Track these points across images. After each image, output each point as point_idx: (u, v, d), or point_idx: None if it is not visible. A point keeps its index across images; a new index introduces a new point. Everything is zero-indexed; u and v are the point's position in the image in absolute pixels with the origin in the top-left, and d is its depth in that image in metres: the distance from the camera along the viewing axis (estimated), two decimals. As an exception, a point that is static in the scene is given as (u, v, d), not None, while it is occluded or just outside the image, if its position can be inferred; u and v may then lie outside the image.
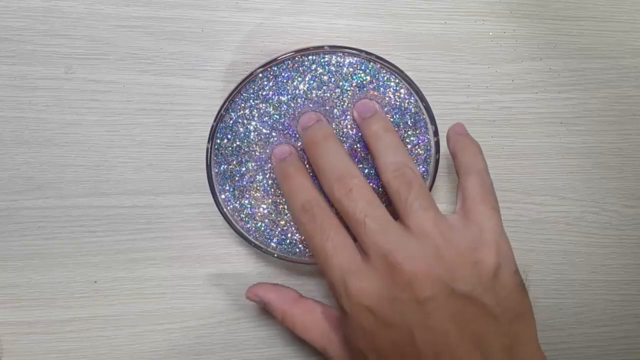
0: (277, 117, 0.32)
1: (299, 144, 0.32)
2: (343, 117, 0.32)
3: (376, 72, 0.32)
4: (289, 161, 0.31)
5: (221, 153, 0.32)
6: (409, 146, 0.33)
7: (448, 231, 0.28)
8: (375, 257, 0.27)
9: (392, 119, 0.32)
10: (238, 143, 0.32)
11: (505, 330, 0.27)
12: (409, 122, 0.32)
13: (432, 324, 0.26)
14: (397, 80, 0.32)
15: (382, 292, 0.26)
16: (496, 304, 0.27)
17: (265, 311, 0.36)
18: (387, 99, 0.32)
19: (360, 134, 0.32)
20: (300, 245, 0.33)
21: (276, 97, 0.32)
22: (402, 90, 0.32)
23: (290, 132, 0.32)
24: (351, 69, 0.32)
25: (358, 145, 0.32)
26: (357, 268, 0.27)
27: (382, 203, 0.29)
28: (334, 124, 0.32)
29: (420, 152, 0.33)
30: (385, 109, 0.32)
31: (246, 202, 0.33)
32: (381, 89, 0.32)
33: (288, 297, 0.32)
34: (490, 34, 0.35)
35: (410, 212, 0.28)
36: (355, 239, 0.29)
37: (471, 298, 0.26)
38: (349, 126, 0.32)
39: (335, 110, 0.32)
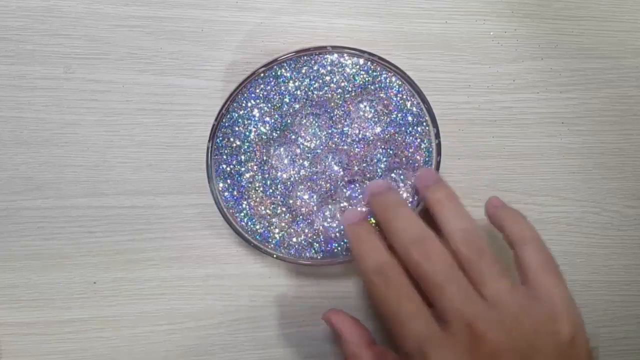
0: (278, 117, 0.32)
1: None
2: (344, 118, 0.32)
3: (379, 74, 0.32)
4: (361, 224, 0.31)
5: (221, 153, 0.32)
6: (411, 149, 0.33)
7: (523, 301, 0.27)
8: (457, 325, 0.26)
9: (394, 121, 0.32)
10: (238, 143, 0.32)
11: None
12: (411, 124, 0.32)
13: None
14: (399, 82, 0.32)
15: None
16: None
17: (265, 312, 0.36)
18: (389, 100, 0.32)
19: (361, 135, 0.32)
20: (297, 247, 0.33)
21: (277, 97, 0.31)
22: (404, 92, 0.32)
23: (291, 133, 0.32)
24: (354, 70, 0.32)
25: (357, 147, 0.32)
26: (436, 336, 0.26)
27: (460, 271, 0.28)
28: (335, 124, 0.32)
29: (422, 154, 0.33)
30: (387, 111, 0.32)
31: (245, 203, 0.33)
32: (384, 90, 0.32)
33: (363, 338, 0.31)
34: (491, 33, 0.35)
35: (485, 280, 0.27)
36: (430, 305, 0.28)
37: None
38: (350, 127, 0.32)
39: (337, 111, 0.32)
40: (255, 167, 0.32)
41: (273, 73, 0.31)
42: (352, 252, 0.30)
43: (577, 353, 0.27)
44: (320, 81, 0.31)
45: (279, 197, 0.33)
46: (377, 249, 0.29)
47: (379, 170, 0.33)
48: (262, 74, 0.31)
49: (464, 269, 0.28)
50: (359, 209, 0.32)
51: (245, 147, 0.32)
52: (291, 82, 0.31)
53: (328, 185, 0.33)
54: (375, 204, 0.31)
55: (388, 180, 0.32)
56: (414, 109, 0.32)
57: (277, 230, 0.33)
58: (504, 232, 0.31)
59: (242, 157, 0.32)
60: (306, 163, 0.32)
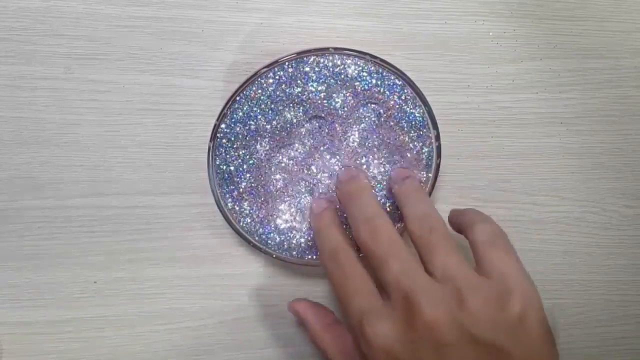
0: (279, 118, 0.32)
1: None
2: (346, 119, 0.32)
3: (380, 76, 0.32)
4: (324, 215, 0.31)
5: (222, 153, 0.32)
6: (413, 152, 0.33)
7: (471, 276, 0.27)
8: (395, 297, 0.26)
9: (395, 124, 0.32)
10: (239, 143, 0.32)
11: None
12: (413, 127, 0.32)
13: None
14: (400, 84, 0.32)
15: (400, 334, 0.26)
16: (521, 353, 0.25)
17: (265, 312, 0.36)
18: (391, 103, 0.32)
19: (362, 138, 0.32)
20: (297, 248, 0.33)
21: (279, 98, 0.31)
22: (406, 95, 0.32)
23: (292, 134, 0.32)
24: (356, 72, 0.32)
25: (358, 149, 0.33)
26: (375, 309, 0.27)
27: (407, 246, 0.28)
28: (336, 127, 0.32)
29: (424, 157, 0.33)
30: (388, 114, 0.32)
31: (246, 203, 0.33)
32: (385, 93, 0.32)
33: (324, 319, 0.32)
34: (490, 34, 0.35)
35: (431, 255, 0.27)
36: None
37: (494, 346, 0.25)
38: (351, 130, 0.32)
39: (338, 113, 0.32)
40: (255, 167, 0.32)
41: (274, 74, 0.31)
42: (315, 244, 0.31)
43: (527, 332, 0.26)
44: (321, 83, 0.31)
45: (279, 197, 0.33)
46: (333, 235, 0.30)
47: (379, 173, 0.33)
48: (263, 75, 0.31)
49: (415, 246, 0.28)
50: (324, 198, 0.33)
51: (246, 147, 0.32)
52: (292, 83, 0.31)
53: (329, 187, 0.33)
54: (340, 191, 0.32)
55: (357, 167, 0.32)
56: (415, 111, 0.32)
57: (277, 231, 0.33)
58: (460, 228, 0.31)
59: (243, 158, 0.32)
60: (307, 165, 0.32)
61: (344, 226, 0.32)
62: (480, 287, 0.26)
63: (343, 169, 0.33)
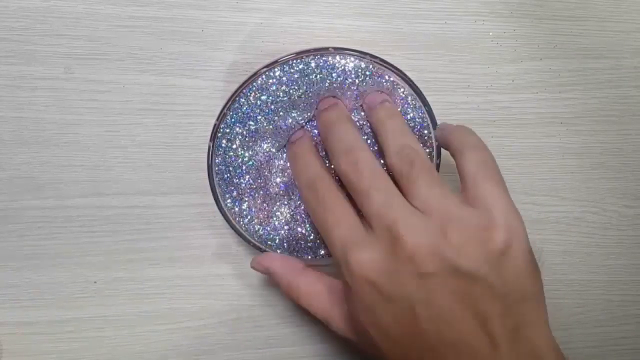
0: (279, 119, 0.32)
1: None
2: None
3: (381, 77, 0.32)
4: (299, 143, 0.31)
5: (222, 153, 0.32)
6: None
7: (454, 208, 0.26)
8: (378, 228, 0.26)
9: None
10: (239, 143, 0.32)
11: (512, 312, 0.25)
12: (414, 128, 0.32)
13: (434, 301, 0.25)
14: (401, 85, 0.32)
15: (382, 265, 0.25)
16: (503, 284, 0.25)
17: (265, 312, 0.36)
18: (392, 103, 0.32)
19: (368, 130, 0.32)
20: (297, 248, 0.33)
21: (279, 98, 0.31)
22: (406, 95, 0.32)
23: (292, 134, 0.32)
24: (355, 73, 0.31)
25: (368, 141, 0.32)
26: (358, 239, 0.26)
27: (389, 177, 0.28)
28: None
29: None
30: None
31: (246, 203, 0.33)
32: (385, 93, 0.32)
33: (294, 267, 0.31)
34: (490, 33, 0.35)
35: (413, 189, 0.27)
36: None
37: (476, 277, 0.25)
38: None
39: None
40: (255, 168, 0.32)
41: (274, 74, 0.31)
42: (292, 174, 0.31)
43: (511, 263, 0.25)
44: (322, 83, 0.31)
45: (279, 198, 0.33)
46: (310, 164, 0.30)
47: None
48: (263, 75, 0.31)
49: (397, 181, 0.28)
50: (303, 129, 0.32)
51: (246, 147, 0.32)
52: (292, 83, 0.31)
53: None
54: (320, 121, 0.31)
55: (336, 99, 0.32)
56: (416, 112, 0.32)
57: (277, 231, 0.33)
58: (448, 147, 0.30)
59: (243, 158, 0.32)
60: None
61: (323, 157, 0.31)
62: (464, 218, 0.26)
63: (322, 98, 0.32)
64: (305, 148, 0.31)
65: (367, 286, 0.26)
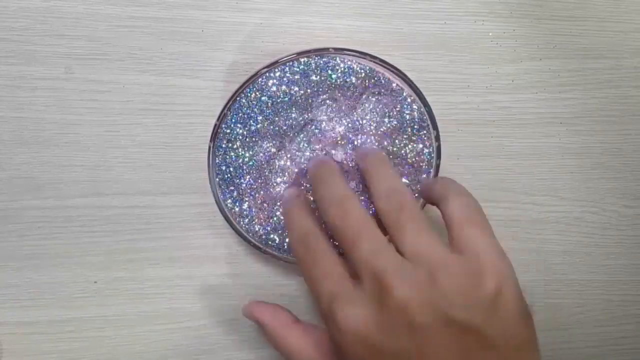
0: (279, 119, 0.32)
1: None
2: (347, 118, 0.32)
3: (380, 77, 0.32)
4: (293, 202, 0.31)
5: (222, 153, 0.32)
6: (414, 153, 0.33)
7: (444, 255, 0.26)
8: (366, 278, 0.25)
9: (395, 125, 0.32)
10: (239, 143, 0.32)
11: None
12: (414, 128, 0.32)
13: (428, 353, 0.24)
14: (401, 85, 0.32)
15: (371, 318, 0.25)
16: (497, 333, 0.24)
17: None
18: (390, 104, 0.32)
19: (361, 140, 0.32)
20: None
21: (279, 98, 0.32)
22: (406, 95, 0.32)
23: (292, 135, 0.32)
24: (355, 73, 0.31)
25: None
26: (345, 293, 0.26)
27: (377, 227, 0.27)
28: (335, 128, 0.32)
29: (424, 158, 0.33)
30: (388, 115, 0.32)
31: (246, 203, 0.33)
32: (385, 94, 0.32)
33: (284, 320, 0.31)
34: (490, 34, 0.35)
35: (402, 235, 0.26)
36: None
37: (469, 327, 0.24)
38: (351, 132, 0.32)
39: (338, 115, 0.32)
40: (255, 168, 0.32)
41: (274, 74, 0.31)
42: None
43: (503, 311, 0.25)
44: (323, 83, 0.31)
45: (279, 198, 0.33)
46: (301, 219, 0.29)
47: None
48: (263, 75, 0.31)
49: (386, 227, 0.28)
50: (296, 185, 0.32)
51: (246, 147, 0.32)
52: (292, 83, 0.31)
53: None
54: (310, 175, 0.31)
55: (328, 157, 0.32)
56: (415, 112, 0.32)
57: (277, 231, 0.33)
58: (432, 197, 0.29)
59: (243, 158, 0.32)
60: (306, 166, 0.32)
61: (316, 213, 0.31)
62: (452, 266, 0.25)
63: (313, 159, 0.32)
64: (299, 205, 0.31)
65: (356, 341, 0.25)
